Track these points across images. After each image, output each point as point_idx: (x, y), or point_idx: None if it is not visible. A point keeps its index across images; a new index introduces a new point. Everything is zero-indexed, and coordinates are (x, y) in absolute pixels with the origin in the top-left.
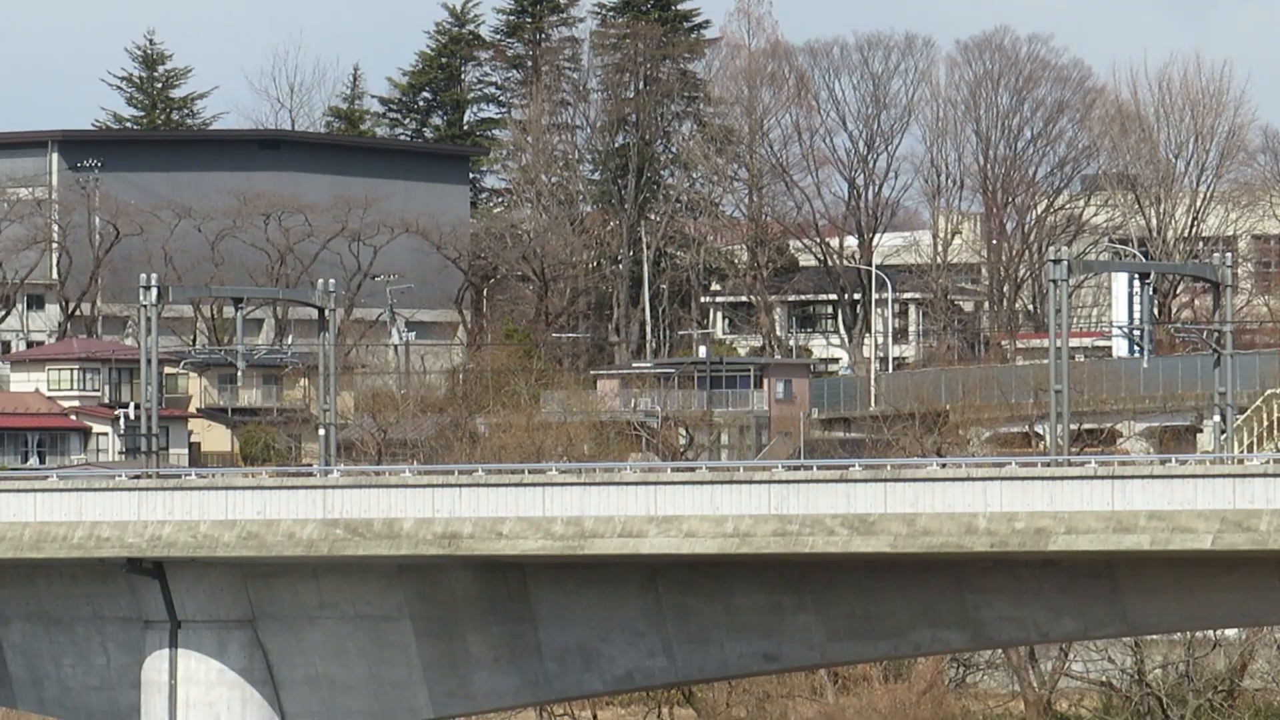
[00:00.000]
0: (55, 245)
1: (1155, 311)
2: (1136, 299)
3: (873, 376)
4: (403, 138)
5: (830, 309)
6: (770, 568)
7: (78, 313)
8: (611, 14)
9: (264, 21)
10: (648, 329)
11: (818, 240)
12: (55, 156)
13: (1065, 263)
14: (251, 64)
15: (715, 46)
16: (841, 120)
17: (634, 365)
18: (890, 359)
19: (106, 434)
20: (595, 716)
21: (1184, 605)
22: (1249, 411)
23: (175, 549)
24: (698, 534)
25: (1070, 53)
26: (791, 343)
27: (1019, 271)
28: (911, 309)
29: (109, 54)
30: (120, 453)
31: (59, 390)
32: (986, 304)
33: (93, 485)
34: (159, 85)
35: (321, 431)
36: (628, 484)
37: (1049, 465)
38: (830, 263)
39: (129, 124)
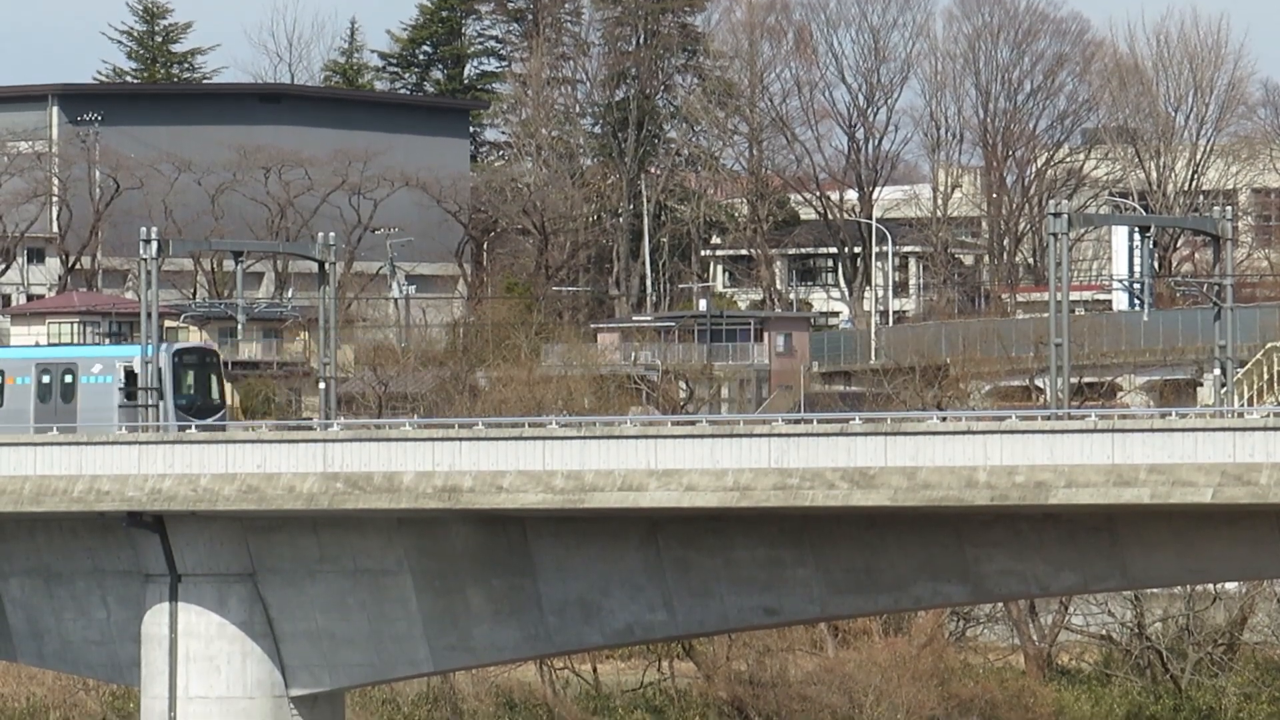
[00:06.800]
0: (55, 199)
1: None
2: (1137, 252)
3: (873, 330)
4: (402, 92)
5: (830, 262)
6: (770, 521)
7: (78, 266)
8: None
9: None
10: (648, 282)
11: (818, 194)
12: (55, 110)
13: (1065, 216)
14: (251, 18)
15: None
16: (841, 74)
17: (634, 319)
18: (890, 312)
19: None
20: (595, 670)
21: (1184, 559)
22: (1249, 365)
23: (175, 502)
24: (698, 487)
25: (1069, 5)
26: (792, 296)
27: (1019, 225)
28: (912, 262)
29: (109, 8)
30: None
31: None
32: (987, 257)
33: (93, 439)
34: (159, 40)
35: (322, 385)
36: (628, 438)
37: (1049, 419)
38: (830, 216)
39: (129, 78)
